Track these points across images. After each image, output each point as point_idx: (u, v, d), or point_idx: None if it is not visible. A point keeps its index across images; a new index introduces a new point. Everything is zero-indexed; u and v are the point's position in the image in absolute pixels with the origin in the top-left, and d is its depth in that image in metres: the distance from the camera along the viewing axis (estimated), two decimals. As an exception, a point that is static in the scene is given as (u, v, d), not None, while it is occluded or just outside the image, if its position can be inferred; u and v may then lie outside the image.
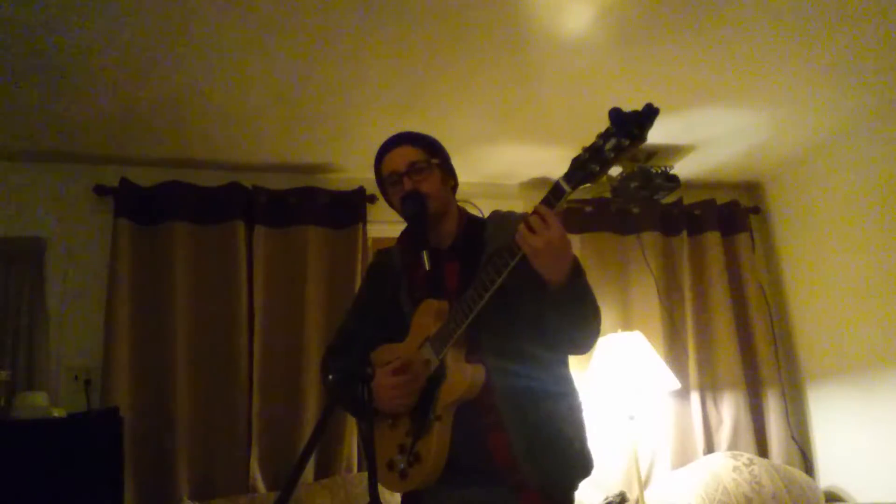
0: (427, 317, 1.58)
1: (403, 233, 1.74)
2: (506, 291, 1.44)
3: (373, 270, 1.85)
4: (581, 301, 1.47)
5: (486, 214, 1.73)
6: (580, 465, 1.54)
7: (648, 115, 1.24)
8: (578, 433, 1.56)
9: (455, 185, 1.74)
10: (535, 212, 1.36)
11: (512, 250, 1.39)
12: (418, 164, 1.63)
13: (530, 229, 1.34)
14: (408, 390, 1.54)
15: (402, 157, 1.65)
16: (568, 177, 1.33)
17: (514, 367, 1.51)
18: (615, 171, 3.40)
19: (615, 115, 1.27)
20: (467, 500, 1.52)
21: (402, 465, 1.54)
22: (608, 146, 1.27)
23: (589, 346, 1.58)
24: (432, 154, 1.67)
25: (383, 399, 1.53)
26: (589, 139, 1.32)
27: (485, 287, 1.43)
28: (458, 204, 1.74)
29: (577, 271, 1.43)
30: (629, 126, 1.25)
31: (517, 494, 1.48)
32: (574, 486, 1.55)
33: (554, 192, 1.35)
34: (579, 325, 1.50)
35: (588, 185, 1.33)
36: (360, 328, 1.73)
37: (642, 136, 1.26)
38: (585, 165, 1.31)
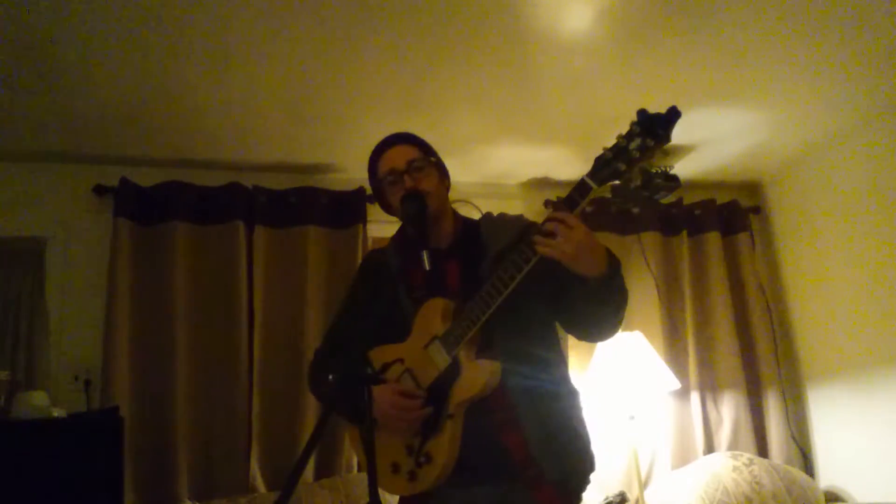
0: (433, 316, 1.57)
1: (399, 233, 1.74)
2: (517, 294, 1.43)
3: (366, 271, 1.83)
4: (621, 286, 1.49)
5: (486, 214, 1.74)
6: (590, 461, 1.56)
7: (673, 116, 1.30)
8: (584, 430, 1.58)
9: (448, 186, 1.74)
10: (551, 218, 1.37)
11: (531, 246, 1.39)
12: (417, 162, 1.64)
13: (551, 235, 1.35)
14: (409, 415, 1.52)
15: (401, 155, 1.65)
16: (593, 174, 1.37)
17: (522, 366, 1.51)
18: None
19: (642, 115, 1.32)
20: (479, 498, 1.51)
21: (410, 467, 1.52)
22: (633, 145, 1.32)
23: (618, 329, 1.60)
24: (428, 152, 1.69)
25: (381, 416, 1.48)
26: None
27: (504, 284, 1.42)
28: (452, 206, 1.75)
29: (613, 261, 1.45)
30: (655, 126, 1.31)
31: (532, 490, 1.47)
32: (586, 480, 1.56)
33: (579, 189, 1.38)
34: (618, 309, 1.53)
35: (615, 182, 1.38)
36: (355, 330, 1.70)
37: (667, 137, 1.32)
38: (611, 163, 1.35)
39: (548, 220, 1.37)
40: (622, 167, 1.34)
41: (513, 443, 1.48)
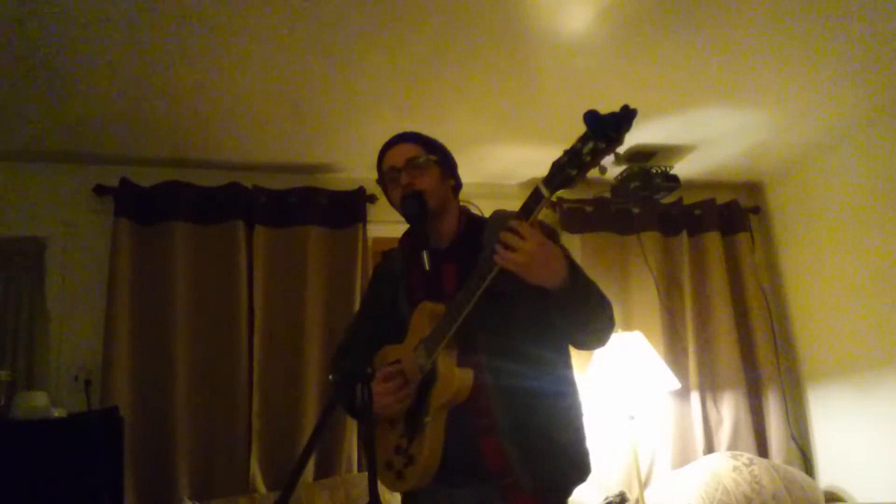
0: (423, 319, 1.59)
1: (405, 233, 1.75)
2: (502, 293, 1.43)
3: (377, 272, 1.88)
4: (586, 296, 1.47)
5: (488, 215, 1.73)
6: (575, 470, 1.53)
7: (625, 116, 1.21)
8: (576, 435, 1.55)
9: (456, 185, 1.75)
10: (507, 228, 1.35)
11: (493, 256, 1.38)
12: (416, 160, 1.64)
13: (507, 247, 1.34)
14: (398, 396, 1.55)
15: (401, 153, 1.67)
16: (547, 181, 1.31)
17: (510, 367, 1.51)
18: (615, 171, 3.41)
19: (590, 117, 1.23)
20: (460, 500, 1.53)
21: (398, 466, 1.56)
22: (586, 150, 1.24)
23: (607, 337, 1.58)
24: (430, 151, 1.69)
25: (376, 404, 1.51)
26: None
27: (471, 292, 1.42)
28: (461, 204, 1.75)
29: (573, 269, 1.43)
30: (605, 129, 1.21)
31: (508, 497, 1.48)
32: (568, 492, 1.55)
33: (533, 198, 1.35)
34: (592, 319, 1.51)
35: (565, 189, 1.31)
36: (362, 329, 1.76)
37: (619, 139, 1.22)
38: (563, 170, 1.28)
39: (503, 230, 1.35)
40: (573, 173, 1.26)
41: (490, 449, 1.48)
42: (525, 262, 1.33)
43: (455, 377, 1.49)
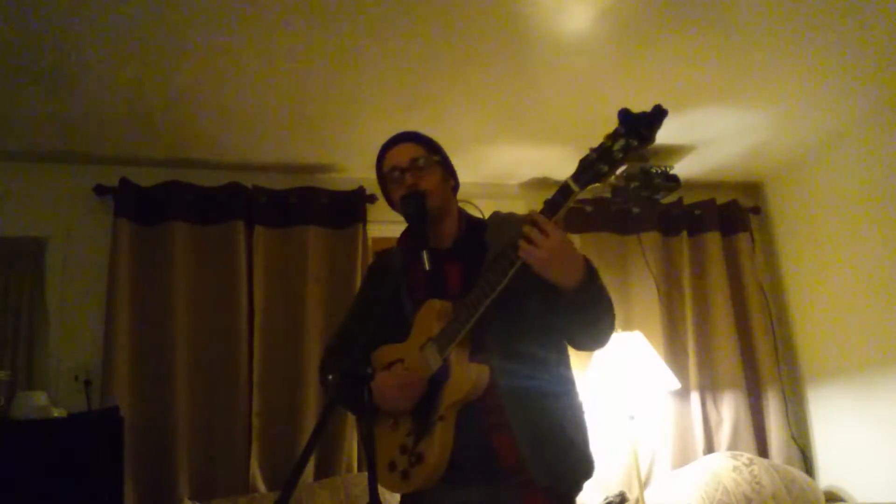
0: (429, 317, 1.58)
1: (404, 233, 1.75)
2: (512, 292, 1.44)
3: (372, 271, 1.86)
4: (598, 299, 1.48)
5: (487, 215, 1.74)
6: (584, 466, 1.54)
7: (657, 115, 1.25)
8: (581, 433, 1.56)
9: (455, 186, 1.75)
10: (531, 222, 1.36)
11: (516, 250, 1.39)
12: (420, 160, 1.64)
13: (529, 241, 1.34)
14: (411, 392, 1.54)
15: (405, 153, 1.66)
16: (576, 177, 1.34)
17: (517, 367, 1.51)
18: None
19: (624, 115, 1.27)
20: (469, 499, 1.52)
21: (403, 466, 1.54)
22: (616, 147, 1.28)
23: (607, 340, 1.59)
24: (433, 152, 1.69)
25: (386, 399, 1.53)
26: (589, 139, 1.32)
27: (491, 287, 1.42)
28: (459, 205, 1.75)
29: (590, 271, 1.44)
30: (638, 127, 1.26)
31: (521, 494, 1.48)
32: (579, 487, 1.56)
33: (562, 192, 1.36)
34: (598, 322, 1.52)
35: (596, 184, 1.34)
36: (359, 329, 1.74)
37: (651, 137, 1.27)
38: (594, 165, 1.31)
39: (527, 223, 1.36)
40: (605, 169, 1.30)
41: (503, 446, 1.48)
42: (546, 257, 1.34)
43: (471, 374, 1.48)
